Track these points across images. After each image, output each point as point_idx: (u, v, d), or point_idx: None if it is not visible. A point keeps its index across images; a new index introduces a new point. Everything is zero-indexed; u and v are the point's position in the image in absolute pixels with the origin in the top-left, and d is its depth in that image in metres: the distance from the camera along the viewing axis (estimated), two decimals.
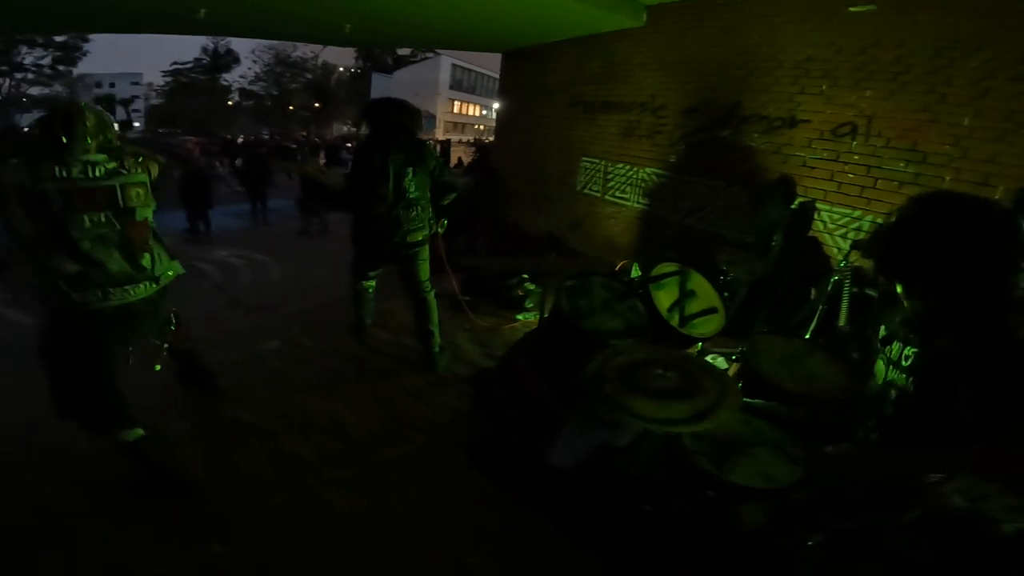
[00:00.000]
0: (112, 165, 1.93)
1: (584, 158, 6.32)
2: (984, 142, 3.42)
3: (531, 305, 4.36)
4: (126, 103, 31.19)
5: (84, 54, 30.81)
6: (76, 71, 32.55)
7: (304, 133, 28.26)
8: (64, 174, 1.82)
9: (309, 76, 35.31)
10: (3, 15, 4.97)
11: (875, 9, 3.89)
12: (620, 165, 5.85)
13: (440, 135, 29.57)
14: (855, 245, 3.56)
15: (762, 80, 4.50)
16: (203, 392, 2.94)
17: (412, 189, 2.96)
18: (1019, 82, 3.22)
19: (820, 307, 3.18)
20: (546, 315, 2.21)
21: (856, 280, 3.48)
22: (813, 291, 3.89)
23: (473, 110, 38.22)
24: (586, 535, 2.02)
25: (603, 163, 6.07)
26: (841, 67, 4.06)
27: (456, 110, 36.32)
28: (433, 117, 33.09)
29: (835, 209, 4.16)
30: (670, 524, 1.82)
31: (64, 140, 1.83)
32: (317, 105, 34.01)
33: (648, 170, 5.54)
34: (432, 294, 3.26)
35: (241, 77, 35.18)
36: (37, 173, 1.79)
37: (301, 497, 2.24)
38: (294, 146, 16.69)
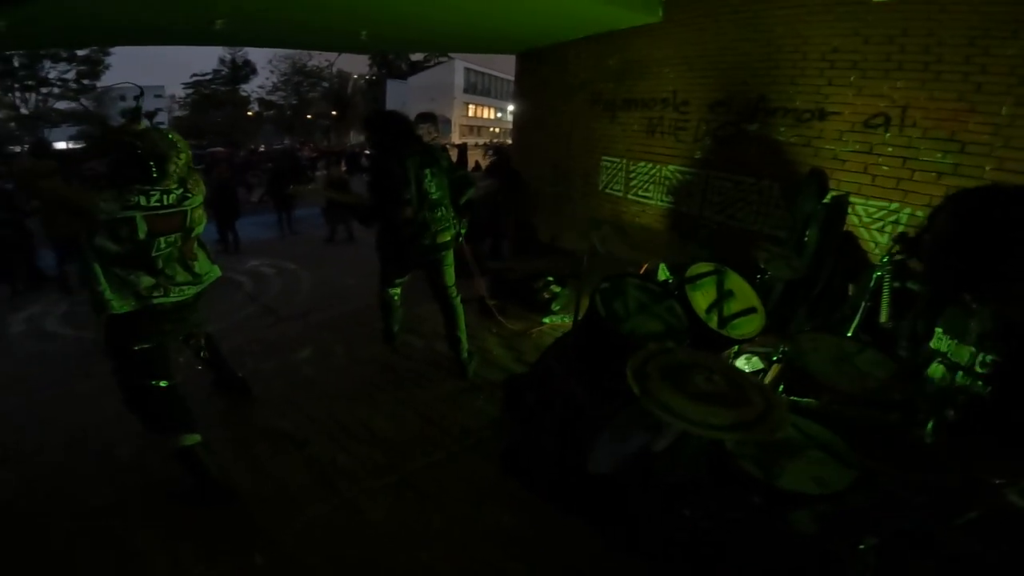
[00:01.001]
0: (181, 191, 2.12)
1: (605, 157, 6.27)
2: (1017, 129, 3.29)
3: (558, 308, 4.34)
4: (151, 116, 32.16)
5: (107, 67, 31.78)
6: (100, 84, 33.57)
7: (325, 142, 28.69)
8: (148, 202, 2.00)
9: (326, 84, 35.85)
10: (32, 30, 5.12)
11: None
12: (643, 163, 5.78)
13: (456, 139, 29.71)
14: (897, 239, 3.45)
15: (787, 72, 4.39)
16: (237, 397, 3.04)
17: (433, 190, 2.99)
18: None
19: (863, 303, 3.09)
20: (581, 319, 2.18)
21: (898, 275, 3.38)
22: (851, 287, 3.79)
23: (488, 113, 38.34)
24: (625, 539, 2.00)
25: (625, 161, 6.01)
26: (869, 58, 3.94)
27: (471, 113, 36.50)
28: (449, 121, 33.27)
29: (870, 202, 4.04)
30: (712, 528, 1.79)
31: (155, 175, 2.01)
32: (334, 113, 34.49)
33: (672, 167, 5.46)
34: (459, 299, 3.27)
35: (260, 87, 35.91)
36: (127, 201, 1.96)
37: (339, 505, 2.27)
38: (315, 156, 16.95)
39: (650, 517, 1.97)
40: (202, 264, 2.34)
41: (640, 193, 5.87)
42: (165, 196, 2.05)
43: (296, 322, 4.68)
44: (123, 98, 39.14)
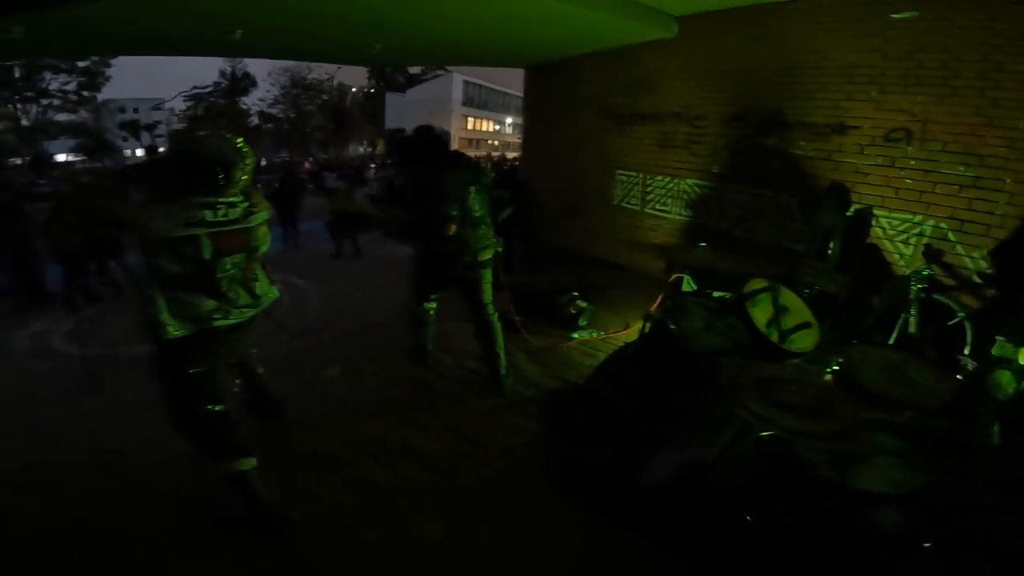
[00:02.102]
0: (246, 204, 1.98)
1: (620, 171, 6.32)
2: None
3: (585, 323, 4.34)
4: (151, 128, 32.08)
5: (107, 79, 31.82)
6: (100, 96, 33.60)
7: (323, 156, 28.78)
8: (213, 217, 1.87)
9: (325, 97, 36.04)
10: (50, 37, 5.14)
11: (917, 15, 3.85)
12: (659, 177, 5.83)
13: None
14: (926, 253, 3.50)
15: (806, 87, 4.47)
16: (271, 418, 2.95)
17: (476, 207, 2.98)
18: None
19: (902, 315, 3.13)
20: (646, 336, 2.19)
21: (926, 287, 3.42)
22: (875, 298, 3.83)
23: (487, 126, 38.60)
24: (683, 550, 2.00)
25: (640, 175, 6.06)
26: (887, 73, 4.03)
27: (470, 126, 36.76)
28: (448, 134, 33.47)
29: (893, 214, 4.09)
30: (775, 532, 1.80)
31: (221, 183, 1.87)
32: (331, 126, 34.66)
33: (689, 181, 5.52)
34: (496, 316, 3.25)
35: (260, 100, 36.05)
36: (191, 217, 1.83)
37: (392, 527, 2.22)
38: (315, 169, 16.99)
39: (707, 526, 1.98)
40: (261, 285, 2.22)
41: (657, 207, 5.91)
42: (230, 210, 1.92)
43: (311, 339, 4.65)
44: (122, 110, 39.27)
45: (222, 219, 1.89)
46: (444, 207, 2.86)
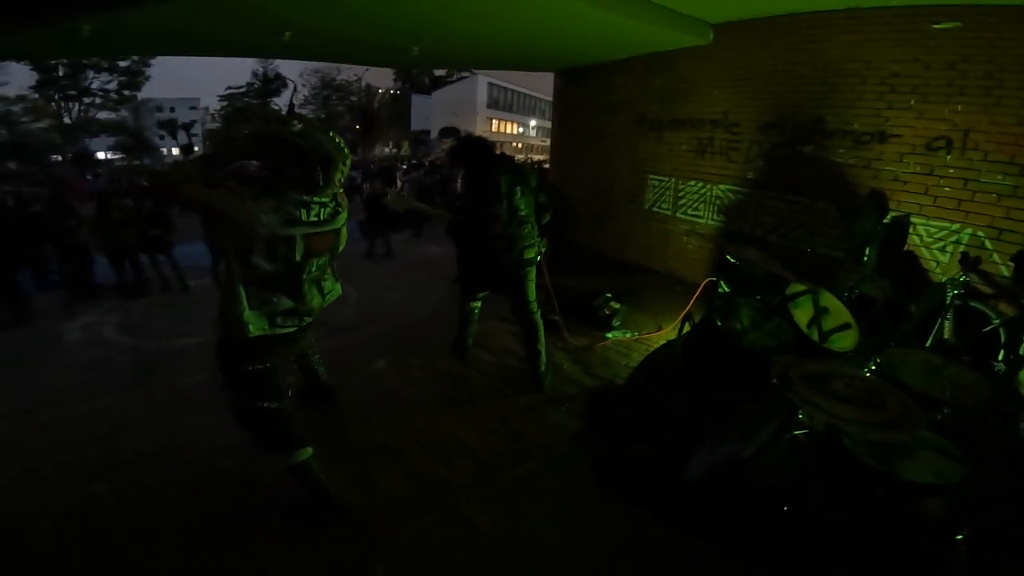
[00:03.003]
0: (333, 204, 1.92)
1: (652, 176, 6.39)
2: None
3: (619, 323, 4.45)
4: (187, 128, 33.09)
5: (147, 79, 32.88)
6: (140, 96, 34.74)
7: (353, 156, 29.36)
8: (307, 217, 1.81)
9: (354, 98, 36.72)
10: (114, 37, 5.41)
11: (959, 25, 3.86)
12: (692, 183, 5.90)
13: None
14: (962, 260, 3.51)
15: (845, 96, 4.49)
16: (324, 410, 3.04)
17: (522, 207, 3.12)
18: None
19: (940, 320, 3.17)
20: (693, 334, 2.30)
21: (962, 294, 3.44)
22: (912, 305, 3.84)
23: (511, 128, 38.80)
24: (725, 543, 2.08)
25: (673, 181, 6.13)
26: (930, 83, 4.04)
27: (494, 128, 36.98)
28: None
29: (931, 222, 4.11)
30: (815, 525, 1.88)
31: (320, 182, 1.80)
32: (358, 127, 35.26)
33: (723, 187, 5.57)
34: (539, 314, 3.37)
35: (290, 100, 36.83)
36: (289, 215, 1.77)
37: (446, 517, 2.31)
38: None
39: (746, 520, 2.06)
40: (329, 282, 2.19)
41: (690, 212, 5.98)
42: (322, 210, 1.85)
43: (348, 335, 4.80)
44: (159, 109, 40.59)
45: (314, 219, 1.84)
46: (492, 206, 3.01)
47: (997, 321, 3.41)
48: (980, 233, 3.90)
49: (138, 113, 36.00)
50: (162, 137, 37.88)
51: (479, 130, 34.59)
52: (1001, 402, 1.90)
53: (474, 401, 3.31)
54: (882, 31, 4.23)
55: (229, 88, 36.10)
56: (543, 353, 3.38)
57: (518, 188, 3.11)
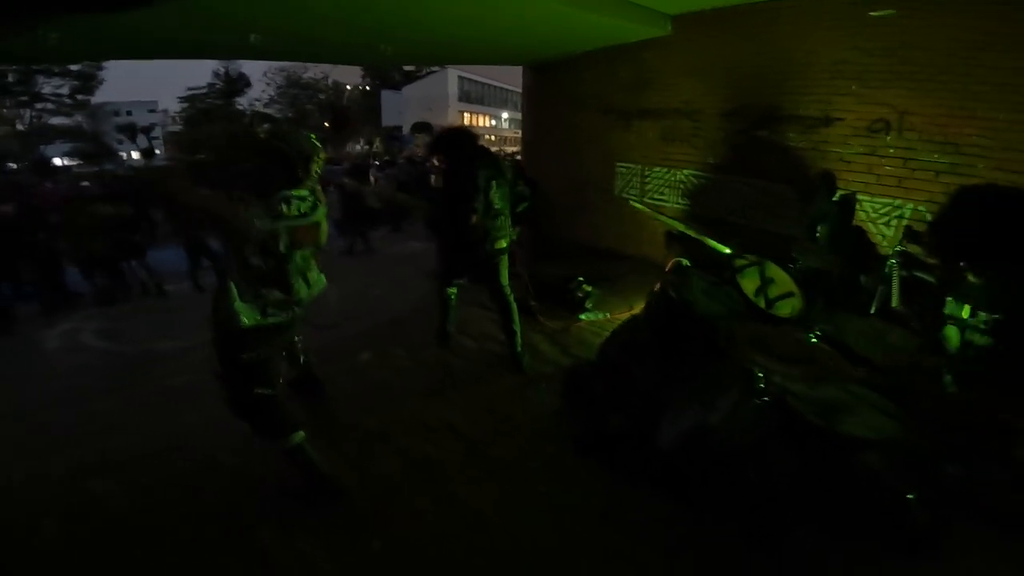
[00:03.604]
0: (313, 198, 2.05)
1: (620, 164, 6.63)
2: (1015, 133, 3.66)
3: (592, 305, 4.67)
4: (147, 131, 32.15)
5: (100, 83, 31.80)
6: (94, 100, 33.57)
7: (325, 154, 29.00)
8: (289, 211, 1.94)
9: (322, 96, 36.16)
10: (79, 43, 5.32)
11: (895, 13, 4.15)
12: (658, 169, 6.15)
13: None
14: (906, 233, 3.82)
15: (794, 83, 4.77)
16: (311, 398, 3.14)
17: (496, 201, 3.29)
18: None
19: (880, 289, 3.45)
20: (652, 308, 2.50)
21: (906, 264, 3.74)
22: (863, 277, 4.15)
23: (483, 121, 38.73)
24: (703, 508, 2.24)
25: (639, 167, 6.37)
26: (870, 69, 4.33)
27: (466, 122, 36.91)
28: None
29: (875, 199, 4.42)
30: (776, 486, 2.10)
31: (300, 177, 1.95)
32: (327, 125, 34.77)
33: (687, 172, 5.84)
34: (512, 296, 3.56)
35: (256, 100, 36.10)
36: (275, 212, 1.91)
37: (440, 494, 2.41)
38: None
39: (716, 484, 2.27)
40: (313, 274, 2.30)
41: (655, 196, 6.23)
42: (302, 203, 1.98)
43: (335, 331, 4.88)
44: (116, 113, 39.22)
45: (295, 213, 1.97)
46: (470, 200, 3.17)
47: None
48: (921, 207, 4.22)
49: (94, 117, 34.78)
50: (121, 142, 36.69)
51: (451, 123, 34.54)
52: (925, 358, 2.12)
53: (459, 385, 3.46)
54: (826, 20, 4.50)
55: (190, 89, 35.16)
56: (518, 333, 3.57)
57: (494, 182, 3.27)
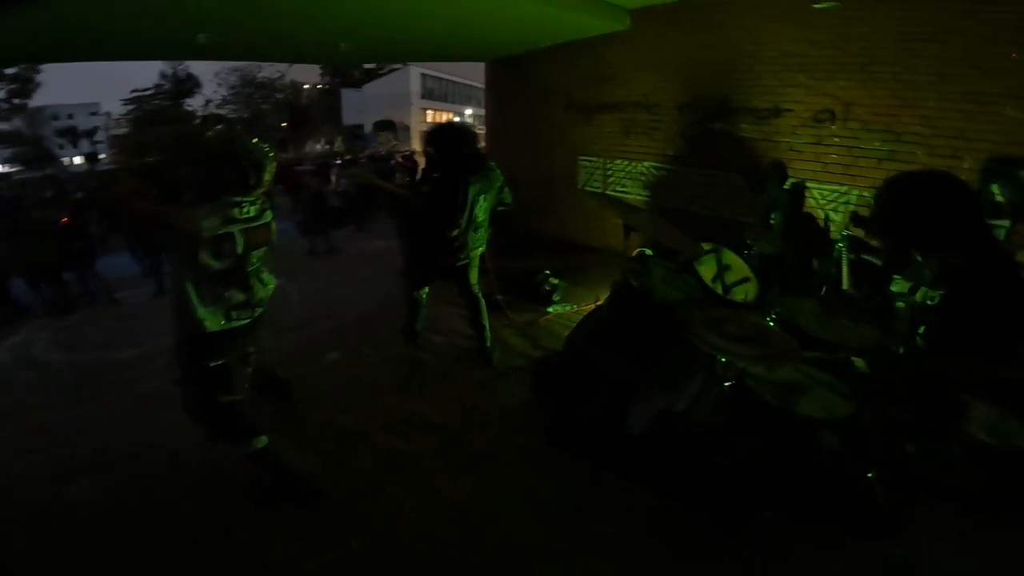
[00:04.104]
0: (260, 202, 2.11)
1: (582, 157, 6.72)
2: (949, 121, 3.90)
3: (559, 298, 4.73)
4: (90, 135, 30.57)
5: (38, 86, 30.20)
6: (32, 103, 31.88)
7: (283, 154, 28.19)
8: (241, 215, 1.99)
9: (279, 96, 35.17)
10: (14, 43, 5.04)
11: (839, 5, 4.35)
12: (619, 161, 6.27)
13: (416, 145, 29.73)
14: (852, 218, 4.02)
15: (746, 75, 4.95)
16: (280, 400, 3.11)
17: (480, 215, 3.28)
18: (972, 68, 3.71)
19: (830, 272, 3.62)
20: (614, 296, 2.56)
21: (853, 248, 3.94)
22: (814, 261, 4.34)
23: (447, 118, 38.37)
24: (673, 493, 2.30)
25: (602, 161, 6.49)
26: (816, 61, 4.53)
27: (430, 119, 36.51)
28: (407, 128, 33.16)
29: (824, 187, 4.64)
30: (743, 467, 2.17)
31: (252, 183, 2.00)
32: (284, 124, 33.89)
33: (647, 163, 5.97)
34: (481, 293, 3.58)
35: (208, 101, 34.83)
36: (227, 215, 1.95)
37: (417, 488, 2.42)
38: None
39: (685, 468, 2.34)
40: (266, 274, 2.33)
41: (617, 188, 6.35)
42: (251, 207, 2.03)
43: (299, 332, 4.81)
44: (56, 117, 37.16)
45: (247, 216, 2.03)
46: (455, 215, 3.14)
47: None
48: (865, 193, 4.45)
49: (33, 121, 32.92)
50: (62, 146, 34.84)
51: (415, 121, 34.11)
52: (875, 336, 2.20)
53: (429, 381, 3.47)
54: (774, 13, 4.69)
55: (135, 91, 33.62)
56: (487, 328, 3.60)
57: (481, 196, 3.24)
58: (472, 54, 8.19)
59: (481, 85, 8.50)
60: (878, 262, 4.07)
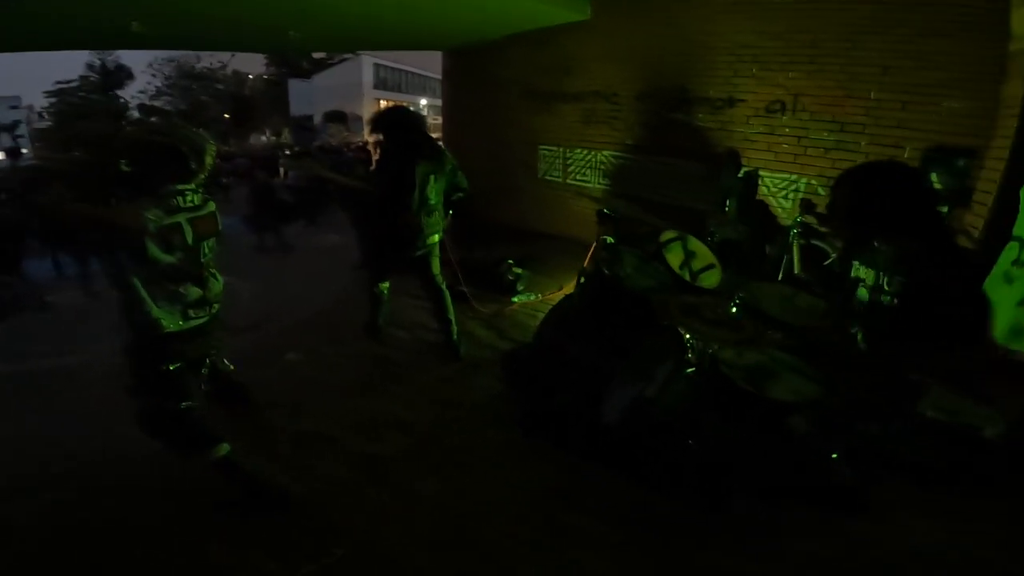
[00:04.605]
0: (202, 191, 1.99)
1: (542, 146, 6.71)
2: (891, 112, 4.10)
3: (523, 287, 4.71)
4: (11, 129, 28.08)
5: None
6: None
7: (224, 147, 26.76)
8: (185, 203, 1.88)
9: (220, 86, 33.34)
10: None
11: None
12: (579, 150, 6.30)
13: (369, 136, 28.90)
14: (802, 205, 4.17)
15: (702, 66, 5.05)
16: (240, 406, 2.93)
17: (432, 196, 3.18)
18: (912, 60, 3.91)
19: (784, 257, 3.75)
20: (586, 284, 2.55)
21: (804, 234, 4.09)
22: (768, 246, 4.50)
23: None
24: (650, 481, 2.33)
25: (562, 150, 6.49)
26: (768, 52, 4.67)
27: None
28: (360, 119, 32.26)
29: (775, 175, 4.80)
30: (714, 452, 2.21)
31: (194, 168, 1.89)
32: (227, 116, 32.24)
33: (607, 152, 6.02)
34: (444, 284, 3.50)
35: (140, 92, 32.59)
36: (170, 205, 1.83)
37: (392, 490, 2.35)
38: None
39: (660, 454, 2.37)
40: (215, 270, 2.18)
41: (578, 178, 6.38)
42: (194, 196, 1.92)
43: (255, 332, 4.57)
44: None
45: (191, 205, 1.92)
46: (405, 196, 3.05)
47: (834, 255, 4.12)
48: (813, 181, 4.64)
49: None
50: None
51: (368, 112, 33.19)
52: (837, 319, 2.27)
53: (396, 378, 3.36)
54: (729, 5, 4.79)
55: (58, 83, 31.03)
56: (453, 321, 3.53)
57: (431, 177, 3.15)
58: (430, 43, 8.00)
59: (436, 75, 8.34)
60: (827, 247, 4.28)
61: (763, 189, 4.82)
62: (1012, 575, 1.98)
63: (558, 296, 4.57)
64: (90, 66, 31.07)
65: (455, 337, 3.56)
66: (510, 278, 4.72)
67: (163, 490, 2.36)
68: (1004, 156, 3.29)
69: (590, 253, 3.83)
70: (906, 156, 3.95)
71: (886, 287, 1.87)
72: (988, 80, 3.57)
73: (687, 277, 2.51)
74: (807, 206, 4.38)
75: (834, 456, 2.18)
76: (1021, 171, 2.87)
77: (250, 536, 2.09)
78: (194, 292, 1.98)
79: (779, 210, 4.83)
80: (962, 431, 2.61)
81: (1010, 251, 2.89)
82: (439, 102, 9.06)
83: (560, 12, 5.60)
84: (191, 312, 1.98)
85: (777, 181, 4.82)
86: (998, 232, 3.00)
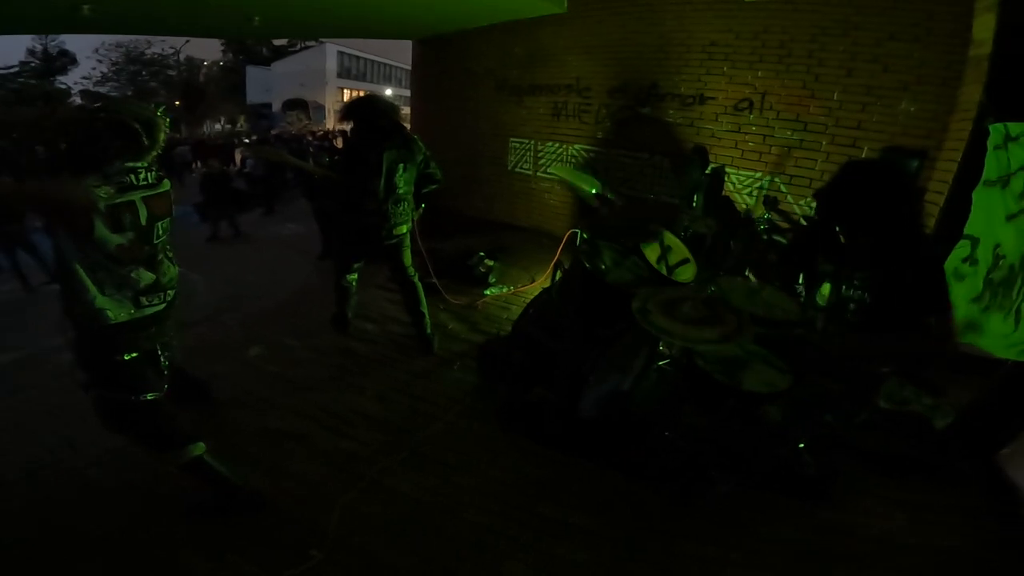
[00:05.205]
0: (155, 169, 1.86)
1: (513, 139, 6.66)
2: (852, 113, 4.25)
3: (495, 279, 4.66)
4: None
5: None
6: None
7: (176, 135, 25.40)
8: (138, 181, 1.75)
9: (171, 73, 31.67)
10: None
11: None
12: (550, 144, 6.28)
13: (332, 125, 28.11)
14: (765, 201, 4.29)
15: (674, 63, 5.11)
16: (201, 404, 2.80)
17: (401, 185, 3.08)
18: (875, 63, 4.06)
19: (748, 251, 3.84)
20: (566, 277, 2.53)
21: (768, 230, 4.22)
22: (732, 242, 4.61)
23: None
24: (628, 471, 2.35)
25: (532, 143, 6.46)
26: (738, 51, 4.76)
27: (346, 98, 34.59)
28: (323, 108, 31.32)
29: (741, 172, 4.92)
30: (690, 442, 2.24)
31: (147, 144, 1.77)
32: (179, 103, 30.70)
33: (578, 146, 6.03)
34: (417, 277, 3.41)
35: (84, 79, 30.58)
36: (122, 182, 1.70)
37: (366, 487, 2.29)
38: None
39: (635, 446, 2.38)
40: (171, 254, 2.06)
41: (549, 171, 6.37)
42: (149, 174, 1.79)
43: (210, 325, 4.36)
44: None
45: (146, 183, 1.78)
46: (371, 182, 2.96)
47: (798, 250, 4.25)
48: (777, 179, 4.77)
49: None
50: None
51: (330, 101, 32.25)
52: (804, 313, 2.33)
53: (367, 372, 3.27)
54: (704, 3, 4.84)
55: None
56: (426, 315, 3.45)
57: (401, 165, 3.06)
58: (402, 32, 7.80)
59: (402, 64, 8.16)
60: (790, 242, 4.41)
61: (729, 186, 4.93)
62: (969, 558, 2.08)
63: (530, 289, 4.56)
64: (31, 51, 29.08)
65: (428, 331, 3.48)
66: (482, 270, 4.66)
67: (126, 494, 2.22)
68: (956, 159, 3.46)
69: (561, 245, 3.83)
70: (863, 155, 4.11)
71: (855, 282, 1.92)
72: (945, 84, 3.74)
73: (664, 271, 2.53)
74: (771, 203, 4.54)
75: (800, 446, 2.25)
76: (972, 173, 3.01)
77: (224, 541, 2.00)
78: (146, 277, 1.83)
79: (743, 206, 4.95)
80: (913, 421, 2.74)
81: (961, 249, 3.04)
82: (406, 92, 8.88)
83: (538, 4, 5.55)
84: (143, 299, 1.83)
85: (743, 178, 4.94)
86: (949, 231, 3.14)
